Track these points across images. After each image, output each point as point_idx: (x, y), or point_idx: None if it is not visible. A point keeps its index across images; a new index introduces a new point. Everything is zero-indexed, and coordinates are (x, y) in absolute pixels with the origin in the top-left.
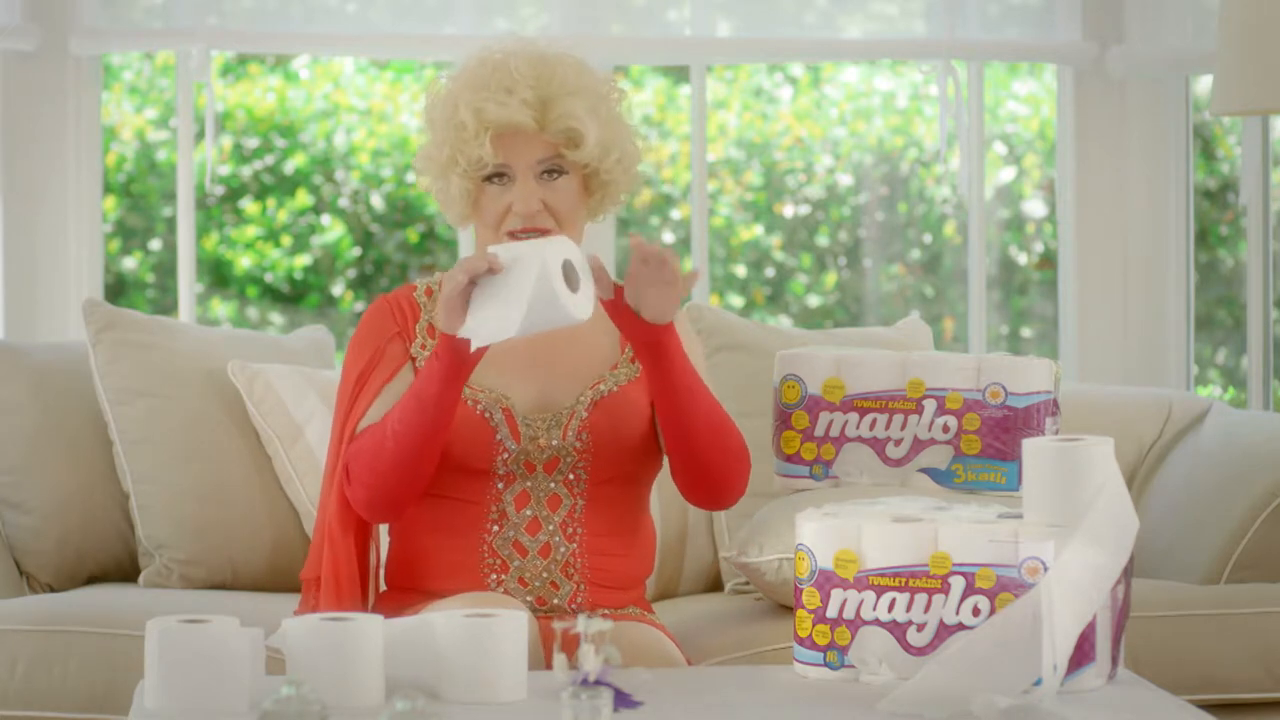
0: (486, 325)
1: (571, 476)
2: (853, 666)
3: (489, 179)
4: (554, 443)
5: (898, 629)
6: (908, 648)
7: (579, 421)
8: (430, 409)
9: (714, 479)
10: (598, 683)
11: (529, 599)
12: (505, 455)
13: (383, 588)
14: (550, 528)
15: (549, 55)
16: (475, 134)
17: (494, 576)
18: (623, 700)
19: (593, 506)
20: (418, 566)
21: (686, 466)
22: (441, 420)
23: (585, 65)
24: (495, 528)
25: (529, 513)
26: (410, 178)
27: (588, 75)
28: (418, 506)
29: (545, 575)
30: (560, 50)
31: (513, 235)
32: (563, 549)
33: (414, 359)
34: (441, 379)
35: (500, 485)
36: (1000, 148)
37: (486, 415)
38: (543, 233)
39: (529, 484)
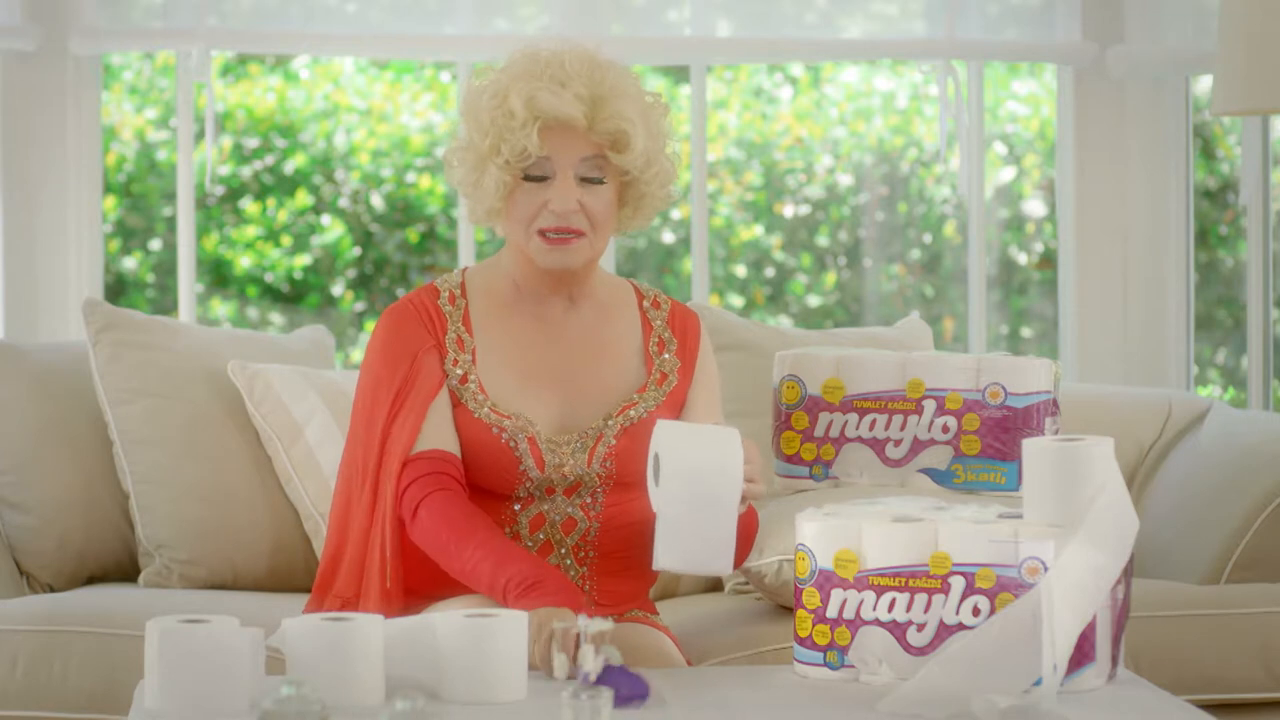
0: (691, 561)
1: (589, 499)
2: (853, 666)
3: (527, 175)
4: (579, 470)
5: (898, 629)
6: (908, 648)
7: (606, 447)
8: (495, 598)
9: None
10: (604, 676)
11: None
12: (528, 482)
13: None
14: (562, 551)
15: (601, 58)
16: (524, 123)
17: None
18: (632, 687)
19: (607, 529)
20: (425, 577)
21: None
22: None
23: (635, 75)
24: None
25: (542, 536)
26: (411, 177)
27: (638, 84)
28: None
29: None
30: (610, 57)
31: (543, 234)
32: (573, 572)
33: (445, 374)
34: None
35: (517, 507)
36: (1000, 148)
37: (511, 444)
38: (576, 234)
39: (546, 507)
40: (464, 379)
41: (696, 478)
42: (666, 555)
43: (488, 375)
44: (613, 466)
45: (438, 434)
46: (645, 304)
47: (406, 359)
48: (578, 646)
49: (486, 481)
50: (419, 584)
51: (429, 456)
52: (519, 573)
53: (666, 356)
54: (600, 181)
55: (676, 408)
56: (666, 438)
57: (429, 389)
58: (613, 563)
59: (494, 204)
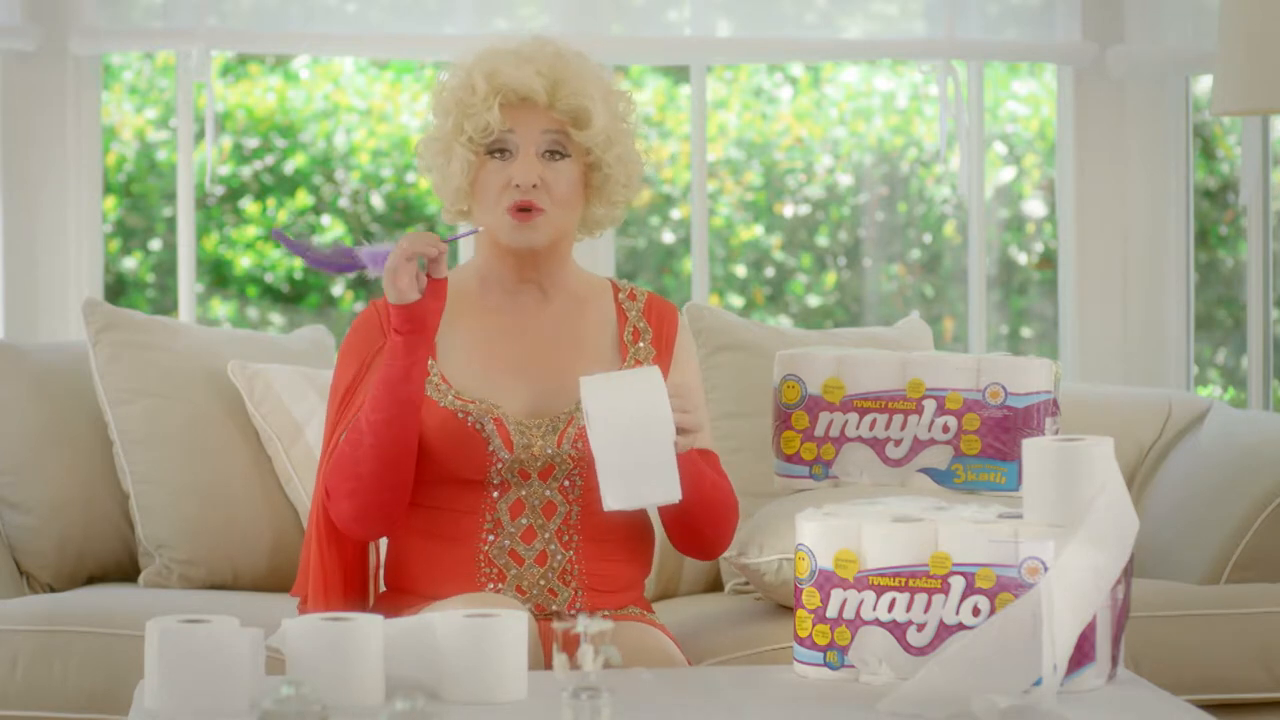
0: (635, 493)
1: (567, 483)
2: (853, 666)
3: (491, 153)
4: (548, 451)
5: (898, 629)
6: (908, 648)
7: (576, 429)
8: (399, 387)
9: (708, 544)
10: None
11: (528, 606)
12: (499, 464)
13: (381, 588)
14: (546, 535)
15: (565, 48)
16: (485, 98)
17: (491, 586)
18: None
19: (588, 512)
20: (415, 575)
21: (683, 538)
22: (414, 398)
23: (600, 66)
24: (491, 537)
25: (524, 521)
26: (411, 177)
27: (600, 72)
28: (412, 516)
29: (543, 583)
30: (577, 49)
31: (509, 211)
32: (559, 556)
33: None
34: (406, 352)
35: (495, 494)
36: (1000, 148)
37: (477, 426)
38: (537, 210)
39: (524, 492)
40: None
41: (624, 413)
42: (610, 493)
43: (451, 368)
44: (583, 447)
45: None
46: (621, 296)
47: (355, 363)
48: (578, 646)
49: (460, 468)
50: (414, 584)
51: None
52: (384, 358)
53: (641, 345)
54: (563, 156)
55: None
56: (590, 389)
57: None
58: (598, 547)
59: (461, 184)
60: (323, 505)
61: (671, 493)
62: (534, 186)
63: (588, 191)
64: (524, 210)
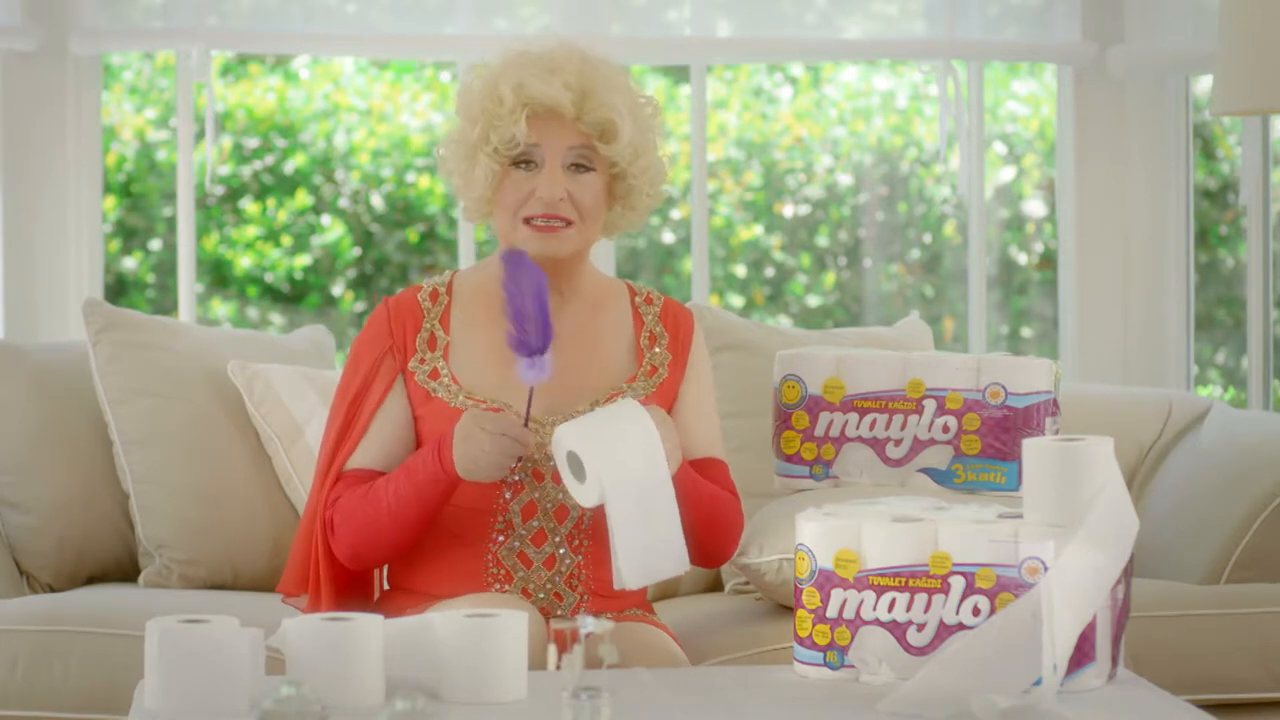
0: (651, 570)
1: None
2: (853, 666)
3: (516, 163)
4: None
5: (898, 629)
6: (908, 648)
7: None
8: (431, 509)
9: (708, 553)
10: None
11: (535, 609)
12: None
13: (385, 587)
14: (556, 539)
15: (592, 55)
16: (512, 110)
17: (498, 586)
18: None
19: (600, 517)
20: (421, 572)
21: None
22: (441, 504)
23: (626, 72)
24: (501, 537)
25: (536, 524)
26: (411, 177)
27: (628, 81)
28: None
29: (549, 587)
30: (604, 55)
31: (529, 222)
32: (568, 561)
33: (411, 373)
34: (448, 491)
35: (508, 495)
36: (1000, 148)
37: None
38: (564, 221)
39: (536, 494)
40: (434, 374)
41: (632, 499)
42: (629, 574)
43: (463, 368)
44: None
45: (373, 450)
46: (638, 300)
47: (366, 363)
48: (574, 643)
49: None
50: (419, 583)
51: (354, 476)
52: (423, 451)
53: (657, 350)
54: (588, 169)
55: (667, 401)
56: (605, 484)
57: (378, 396)
58: (606, 552)
59: (484, 193)
60: (325, 519)
61: (682, 564)
62: (560, 200)
63: (611, 200)
64: (550, 225)
